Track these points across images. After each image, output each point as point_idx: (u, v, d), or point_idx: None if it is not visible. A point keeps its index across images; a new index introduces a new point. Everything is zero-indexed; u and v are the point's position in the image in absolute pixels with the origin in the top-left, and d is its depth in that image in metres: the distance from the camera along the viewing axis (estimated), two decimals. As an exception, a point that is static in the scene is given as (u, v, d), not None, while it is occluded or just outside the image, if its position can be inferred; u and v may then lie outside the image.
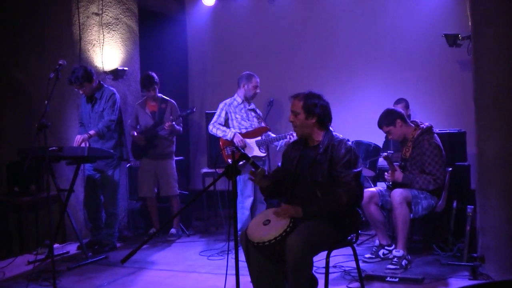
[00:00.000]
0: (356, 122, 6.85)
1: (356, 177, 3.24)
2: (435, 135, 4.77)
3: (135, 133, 6.27)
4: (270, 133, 6.06)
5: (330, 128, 3.42)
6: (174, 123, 6.15)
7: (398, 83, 6.94)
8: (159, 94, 6.42)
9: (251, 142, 5.79)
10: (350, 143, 3.32)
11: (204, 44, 8.30)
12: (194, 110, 6.23)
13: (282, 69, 7.68)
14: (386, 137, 5.79)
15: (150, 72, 6.28)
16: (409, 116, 6.23)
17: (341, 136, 3.39)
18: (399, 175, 4.66)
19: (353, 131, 6.28)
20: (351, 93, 7.22)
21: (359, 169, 3.28)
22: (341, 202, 3.19)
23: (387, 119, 4.81)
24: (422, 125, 4.75)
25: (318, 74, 7.36)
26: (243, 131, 5.90)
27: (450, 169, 4.92)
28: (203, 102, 8.18)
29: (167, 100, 6.42)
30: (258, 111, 6.15)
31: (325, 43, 7.44)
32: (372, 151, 5.60)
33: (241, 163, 3.23)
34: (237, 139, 5.74)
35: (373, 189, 4.89)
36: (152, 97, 6.31)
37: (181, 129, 6.39)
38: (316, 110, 3.33)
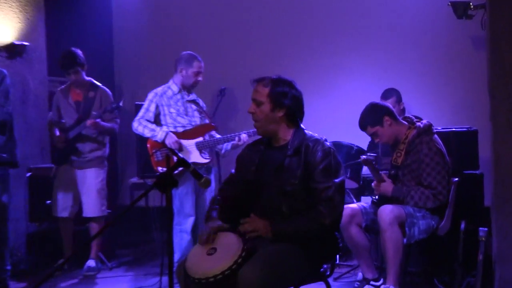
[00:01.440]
0: (335, 119, 6.87)
1: (339, 189, 3.30)
2: (436, 135, 4.75)
3: (57, 132, 6.22)
4: (215, 132, 6.06)
5: (302, 126, 3.47)
6: (99, 120, 6.06)
7: (390, 70, 6.99)
8: (88, 78, 6.32)
9: (190, 144, 5.80)
10: (329, 143, 3.36)
11: (135, 16, 8.27)
12: (121, 104, 6.17)
13: (239, 50, 7.70)
14: (370, 142, 5.94)
15: (72, 49, 6.19)
16: (402, 110, 6.32)
17: (316, 135, 3.43)
18: (388, 187, 4.65)
19: (332, 130, 6.29)
20: (331, 82, 7.27)
21: (341, 178, 3.32)
22: (324, 223, 3.26)
23: (372, 117, 4.79)
24: (419, 124, 4.72)
25: (285, 57, 7.39)
26: (180, 130, 5.88)
27: (457, 179, 4.89)
28: (134, 91, 8.10)
29: (98, 86, 6.36)
30: (201, 103, 6.13)
31: (297, 16, 7.50)
32: (354, 155, 5.58)
33: (177, 171, 3.19)
34: (170, 141, 5.73)
35: (354, 205, 4.84)
36: (76, 83, 6.23)
37: (115, 126, 6.32)
38: (286, 100, 3.35)
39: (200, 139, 5.83)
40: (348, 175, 5.48)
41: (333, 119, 6.89)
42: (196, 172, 3.20)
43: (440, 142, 4.73)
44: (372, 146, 6.22)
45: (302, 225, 3.24)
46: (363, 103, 4.97)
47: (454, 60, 6.84)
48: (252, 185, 3.43)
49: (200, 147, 5.80)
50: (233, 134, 5.80)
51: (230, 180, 3.60)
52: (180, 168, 3.15)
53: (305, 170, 3.31)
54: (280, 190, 3.36)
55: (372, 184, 4.78)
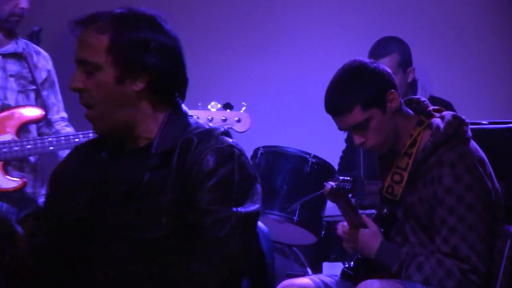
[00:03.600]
0: (286, 107, 5.92)
1: (242, 226, 2.52)
2: (473, 145, 3.48)
3: None
4: (56, 123, 4.78)
5: (184, 107, 2.67)
6: None
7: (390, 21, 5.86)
8: None
9: None
10: (232, 141, 2.57)
11: None
12: None
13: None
14: (348, 142, 5.00)
15: None
16: (411, 86, 5.09)
17: (210, 124, 2.78)
18: (372, 240, 3.57)
19: (278, 128, 5.61)
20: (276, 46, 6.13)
21: (252, 208, 2.52)
22: None
23: (366, 88, 3.56)
24: (436, 121, 3.51)
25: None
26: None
27: None
28: None
29: None
30: (35, 59, 4.79)
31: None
32: (310, 175, 4.40)
33: None
34: None
35: (305, 280, 3.72)
36: None
37: None
38: (148, 57, 2.53)
39: (7, 136, 4.56)
40: (295, 219, 4.18)
41: (284, 108, 5.93)
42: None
43: (482, 156, 3.47)
44: (347, 160, 5.13)
45: None
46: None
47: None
48: (78, 231, 2.64)
49: (6, 158, 4.58)
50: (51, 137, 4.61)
51: (38, 215, 2.78)
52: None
53: (183, 193, 2.49)
54: (136, 239, 2.54)
55: (339, 229, 3.66)
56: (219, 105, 4.21)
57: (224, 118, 4.17)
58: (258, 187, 2.53)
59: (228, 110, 4.20)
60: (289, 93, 6.03)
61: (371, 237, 3.37)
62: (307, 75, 6.08)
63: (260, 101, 5.76)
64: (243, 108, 4.23)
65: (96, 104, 2.48)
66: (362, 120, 3.34)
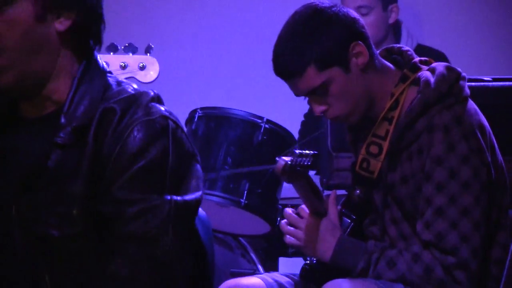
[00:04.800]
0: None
1: (178, 219, 2.24)
2: (471, 105, 3.02)
3: None
4: None
5: (100, 60, 2.38)
6: None
7: None
8: None
9: None
10: (164, 110, 2.28)
11: None
12: None
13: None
14: (308, 111, 4.71)
15: None
16: (396, 33, 4.81)
17: (134, 86, 2.34)
18: (327, 234, 3.15)
19: (220, 85, 5.35)
20: None
21: (190, 197, 2.26)
22: None
23: (318, 41, 3.05)
24: (424, 74, 3.02)
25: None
26: None
27: None
28: None
29: None
30: None
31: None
32: (261, 146, 4.10)
33: None
34: None
35: (256, 279, 3.32)
36: None
37: None
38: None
39: None
40: (243, 201, 3.85)
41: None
42: None
43: (483, 121, 3.06)
44: (309, 126, 4.70)
45: None
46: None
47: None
48: None
49: None
50: None
51: None
52: None
53: (101, 178, 2.21)
54: (37, 235, 2.23)
55: (288, 213, 3.17)
56: (118, 48, 3.78)
57: (123, 64, 3.68)
58: (198, 168, 2.23)
59: (130, 54, 3.70)
60: (234, 36, 5.56)
61: (326, 227, 2.96)
62: (261, 10, 5.64)
63: (197, 49, 5.54)
64: (150, 51, 3.75)
65: (7, 49, 2.15)
66: (319, 84, 2.91)
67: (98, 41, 2.22)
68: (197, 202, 2.18)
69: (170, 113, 2.22)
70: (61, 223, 2.12)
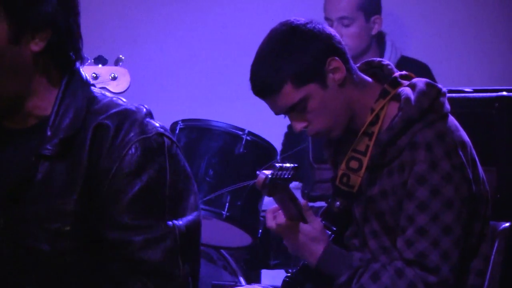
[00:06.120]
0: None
1: (181, 244, 2.19)
2: (452, 120, 3.06)
3: None
4: None
5: (83, 72, 2.35)
6: None
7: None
8: None
9: None
10: (159, 126, 2.23)
11: None
12: None
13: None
14: (288, 128, 4.85)
15: None
16: (379, 44, 4.85)
17: (124, 101, 2.31)
18: (314, 242, 3.16)
19: (202, 98, 5.45)
20: None
21: (189, 218, 2.22)
22: None
23: (285, 62, 3.12)
24: (405, 91, 3.08)
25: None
26: None
27: (508, 224, 3.27)
28: None
29: None
30: None
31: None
32: (243, 158, 4.17)
33: None
34: None
35: None
36: None
37: None
38: (46, 6, 2.27)
39: None
40: (224, 213, 3.94)
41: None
42: None
43: (463, 136, 3.07)
44: (292, 139, 4.80)
45: None
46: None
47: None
48: None
49: None
50: None
51: None
52: None
53: (96, 195, 2.18)
54: (27, 249, 2.21)
55: (269, 218, 3.22)
56: (89, 60, 3.73)
57: (94, 75, 3.71)
58: (194, 182, 2.20)
59: (100, 65, 3.75)
60: (217, 50, 5.62)
61: (313, 238, 2.96)
62: (241, 23, 5.67)
63: (181, 63, 5.57)
64: (120, 62, 3.79)
65: None
66: (297, 100, 2.94)
67: (79, 55, 2.20)
68: (198, 223, 2.15)
69: (165, 129, 2.17)
70: (53, 238, 2.11)
